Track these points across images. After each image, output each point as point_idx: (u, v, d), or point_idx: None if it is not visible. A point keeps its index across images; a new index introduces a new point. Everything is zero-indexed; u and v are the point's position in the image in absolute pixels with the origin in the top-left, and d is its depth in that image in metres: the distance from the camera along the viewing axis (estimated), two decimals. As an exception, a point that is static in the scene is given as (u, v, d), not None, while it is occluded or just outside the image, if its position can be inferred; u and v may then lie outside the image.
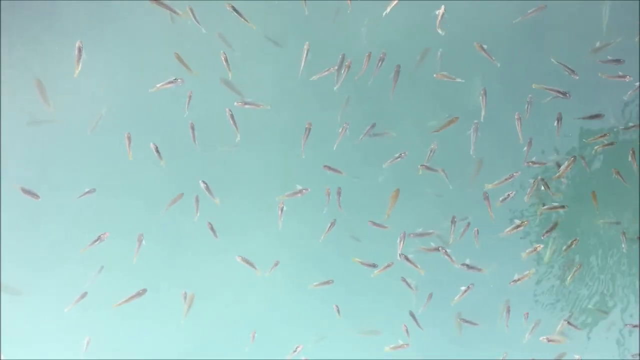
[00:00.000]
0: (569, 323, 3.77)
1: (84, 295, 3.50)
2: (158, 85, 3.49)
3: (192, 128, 3.58)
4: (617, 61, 3.67)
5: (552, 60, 3.67)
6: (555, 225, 3.79)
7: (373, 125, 3.71)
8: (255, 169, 3.74)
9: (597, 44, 3.73)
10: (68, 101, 3.58)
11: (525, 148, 3.71)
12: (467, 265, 3.67)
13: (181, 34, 3.64)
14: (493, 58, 3.62)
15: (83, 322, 3.54)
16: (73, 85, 3.53)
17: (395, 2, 3.50)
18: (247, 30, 3.64)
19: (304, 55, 3.60)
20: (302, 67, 3.62)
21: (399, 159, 3.70)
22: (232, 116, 3.59)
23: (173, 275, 3.66)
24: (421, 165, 3.70)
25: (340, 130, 3.68)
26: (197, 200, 3.61)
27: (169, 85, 3.51)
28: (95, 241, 3.48)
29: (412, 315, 3.72)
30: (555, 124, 3.72)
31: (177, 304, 3.60)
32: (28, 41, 3.57)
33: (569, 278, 3.84)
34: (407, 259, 3.64)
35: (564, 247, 3.81)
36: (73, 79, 3.44)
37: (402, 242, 3.64)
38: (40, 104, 3.54)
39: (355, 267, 3.70)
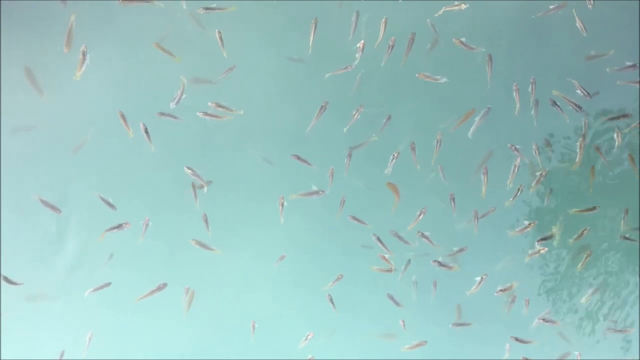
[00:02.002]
0: (544, 320, 3.75)
1: (108, 284, 3.50)
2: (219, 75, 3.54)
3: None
4: (634, 66, 3.71)
5: (571, 80, 3.70)
6: (552, 235, 3.80)
7: (389, 118, 3.68)
8: (258, 167, 3.72)
9: (592, 53, 3.76)
10: (68, 100, 3.56)
11: (532, 112, 3.70)
12: (439, 262, 3.68)
13: (181, 34, 3.64)
14: (475, 47, 3.64)
15: (83, 321, 3.52)
16: (73, 85, 3.51)
17: None
18: (248, 30, 3.66)
19: (312, 31, 3.59)
20: (311, 42, 3.61)
21: (394, 161, 3.68)
22: (207, 114, 3.56)
23: (173, 273, 3.63)
24: (412, 142, 3.69)
25: (353, 113, 3.66)
26: (193, 187, 3.58)
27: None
28: (115, 228, 3.48)
29: (391, 297, 3.70)
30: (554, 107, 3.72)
31: (179, 302, 3.58)
32: (28, 41, 3.55)
33: (579, 265, 3.84)
34: (378, 239, 3.64)
35: (575, 237, 3.81)
36: (74, 78, 3.45)
37: (420, 217, 3.66)
38: (41, 103, 3.52)
39: (357, 265, 3.70)
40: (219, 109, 3.57)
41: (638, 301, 3.91)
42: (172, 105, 3.53)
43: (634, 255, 3.89)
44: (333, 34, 3.69)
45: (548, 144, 3.79)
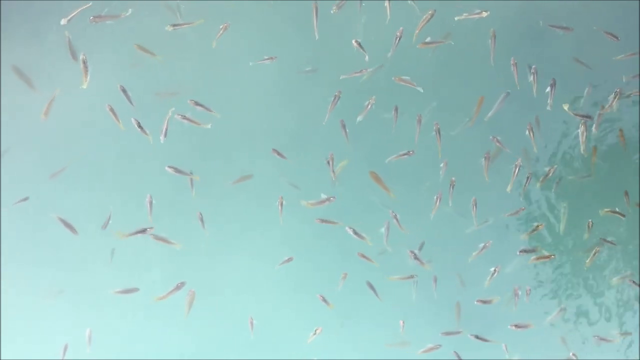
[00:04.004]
0: (516, 326, 3.73)
1: (136, 289, 3.53)
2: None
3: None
4: None
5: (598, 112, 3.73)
6: (533, 250, 3.79)
7: (396, 109, 3.66)
8: (258, 168, 3.72)
9: (586, 62, 3.77)
10: (68, 101, 3.56)
11: (531, 83, 3.69)
12: (415, 255, 3.66)
13: (183, 35, 3.64)
14: (444, 40, 3.64)
15: (83, 321, 3.52)
16: (73, 86, 3.51)
17: None
18: (249, 30, 3.67)
19: (314, 15, 3.58)
20: (315, 25, 3.60)
21: (405, 156, 3.65)
22: (185, 117, 3.54)
23: (174, 273, 3.62)
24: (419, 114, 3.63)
25: (366, 105, 3.65)
26: (191, 181, 3.58)
27: None
28: (138, 232, 3.48)
29: (370, 285, 3.68)
30: (549, 89, 3.70)
31: (180, 302, 3.57)
32: (28, 41, 3.55)
33: (587, 261, 3.83)
34: (354, 232, 3.62)
35: (586, 233, 3.80)
36: (73, 78, 3.45)
37: (437, 204, 3.64)
38: (40, 103, 3.51)
39: (358, 265, 3.68)
40: (198, 107, 3.55)
41: (638, 302, 3.92)
42: (161, 139, 3.52)
43: (634, 253, 3.90)
44: (333, 33, 3.70)
45: (537, 122, 3.75)
